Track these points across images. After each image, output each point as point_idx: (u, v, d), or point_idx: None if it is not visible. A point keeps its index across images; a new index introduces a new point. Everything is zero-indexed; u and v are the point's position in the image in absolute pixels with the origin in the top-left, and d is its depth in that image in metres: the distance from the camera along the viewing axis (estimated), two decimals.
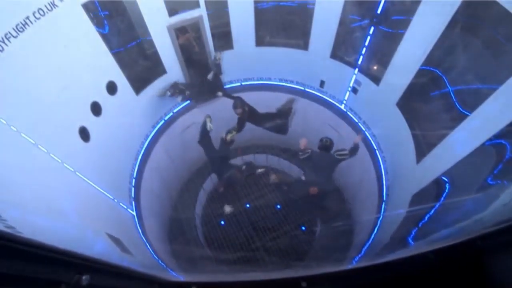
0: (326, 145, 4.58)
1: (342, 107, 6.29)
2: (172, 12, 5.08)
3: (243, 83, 6.80)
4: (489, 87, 3.34)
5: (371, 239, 5.47)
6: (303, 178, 4.55)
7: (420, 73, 4.28)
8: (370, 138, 5.86)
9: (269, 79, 6.80)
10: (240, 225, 8.06)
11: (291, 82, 6.72)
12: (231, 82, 6.78)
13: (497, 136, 3.23)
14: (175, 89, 5.72)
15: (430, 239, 3.19)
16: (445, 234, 2.78)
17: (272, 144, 8.90)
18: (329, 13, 5.11)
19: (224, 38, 5.97)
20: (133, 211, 5.35)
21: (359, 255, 5.53)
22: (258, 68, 6.62)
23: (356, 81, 5.62)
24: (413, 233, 4.07)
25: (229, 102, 7.00)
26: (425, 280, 1.33)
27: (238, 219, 8.17)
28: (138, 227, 5.27)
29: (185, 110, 6.64)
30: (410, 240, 4.06)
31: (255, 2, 5.46)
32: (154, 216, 6.37)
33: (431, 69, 4.17)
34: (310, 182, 4.41)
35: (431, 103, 4.65)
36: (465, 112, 3.70)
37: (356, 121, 6.07)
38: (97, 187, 4.24)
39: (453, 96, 3.93)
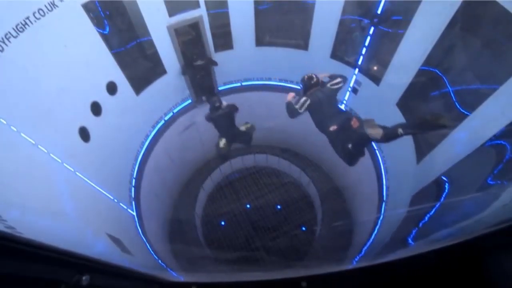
0: (312, 83, 3.82)
1: (342, 107, 6.29)
2: (172, 12, 5.08)
3: (243, 83, 6.81)
4: (489, 87, 3.34)
5: (371, 239, 5.47)
6: (332, 128, 3.61)
7: (420, 73, 4.28)
8: None
9: (269, 79, 6.80)
10: (240, 225, 8.06)
11: (291, 82, 6.72)
12: (231, 82, 6.78)
13: (497, 136, 3.23)
14: None
15: (430, 239, 3.19)
16: (445, 234, 2.78)
17: (272, 144, 8.91)
18: (329, 13, 5.11)
19: (224, 38, 5.97)
20: (133, 211, 5.35)
21: (359, 255, 5.54)
22: (258, 68, 6.62)
23: (356, 81, 5.62)
24: (413, 233, 4.07)
25: (231, 102, 7.01)
26: (425, 280, 1.33)
27: (238, 219, 8.17)
28: (138, 227, 5.27)
29: (185, 110, 6.64)
30: (410, 240, 4.06)
31: (255, 2, 5.46)
32: (154, 216, 6.37)
33: (431, 69, 4.17)
34: (340, 126, 3.62)
35: (431, 103, 4.65)
36: (465, 112, 3.70)
37: None
38: (97, 187, 4.24)
39: (453, 96, 3.93)
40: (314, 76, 3.84)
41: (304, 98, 3.70)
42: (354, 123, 3.54)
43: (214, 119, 5.64)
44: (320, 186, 8.06)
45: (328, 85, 3.85)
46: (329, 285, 1.46)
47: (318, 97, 3.72)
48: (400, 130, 3.34)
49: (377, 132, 3.39)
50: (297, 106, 3.72)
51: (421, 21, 4.01)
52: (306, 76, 3.87)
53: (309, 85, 3.85)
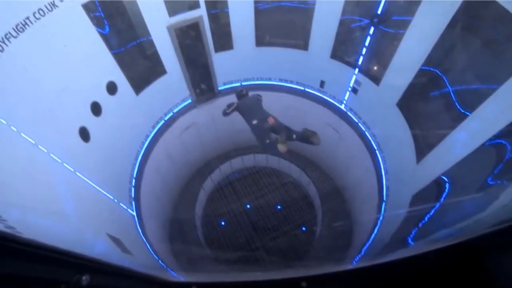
0: (243, 94, 5.03)
1: (342, 107, 6.29)
2: (172, 12, 5.08)
3: (243, 83, 6.81)
4: (489, 87, 3.35)
5: (371, 239, 5.47)
6: (255, 122, 4.72)
7: (420, 73, 4.29)
8: (370, 138, 5.86)
9: (269, 79, 6.80)
10: (240, 225, 8.07)
11: (291, 82, 6.73)
12: (231, 82, 6.78)
13: (497, 136, 3.23)
14: None
15: (430, 239, 3.19)
16: (445, 234, 2.78)
17: None
18: (329, 13, 5.11)
19: (224, 38, 5.97)
20: (133, 211, 5.35)
21: (359, 255, 5.54)
22: (258, 68, 6.62)
23: (356, 81, 5.63)
24: (413, 233, 4.07)
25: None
26: (425, 280, 1.33)
27: (238, 219, 8.17)
28: (138, 228, 5.27)
29: (185, 110, 6.64)
30: (410, 240, 4.06)
31: (255, 2, 5.46)
32: (154, 216, 6.37)
33: (431, 69, 4.17)
34: (260, 117, 4.74)
35: (431, 103, 4.65)
36: (465, 112, 3.70)
37: (356, 121, 6.07)
38: (97, 187, 4.24)
39: (453, 96, 3.93)
40: (244, 90, 5.06)
41: (234, 103, 4.90)
42: (270, 120, 4.61)
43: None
44: (320, 186, 8.06)
45: (256, 94, 5.08)
46: (329, 285, 1.46)
47: (246, 102, 4.91)
48: (294, 136, 4.70)
49: (283, 149, 4.63)
50: (227, 109, 4.91)
51: (421, 21, 4.01)
52: (239, 90, 5.08)
53: (240, 95, 5.04)
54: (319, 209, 7.90)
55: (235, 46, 6.11)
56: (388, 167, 5.54)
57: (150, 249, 5.17)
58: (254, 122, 4.72)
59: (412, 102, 4.72)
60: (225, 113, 4.94)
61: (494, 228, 1.35)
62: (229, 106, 4.92)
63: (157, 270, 4.75)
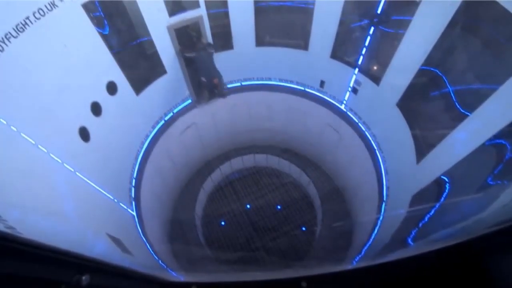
0: (203, 47, 5.61)
1: (342, 107, 6.29)
2: (172, 12, 5.08)
3: (243, 83, 6.81)
4: (489, 87, 3.35)
5: (371, 239, 5.47)
6: (203, 79, 5.94)
7: (420, 73, 4.29)
8: (370, 138, 5.86)
9: (269, 79, 6.81)
10: (240, 226, 8.07)
11: (291, 82, 6.73)
12: (231, 82, 6.78)
13: (497, 136, 3.23)
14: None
15: (430, 239, 3.18)
16: (445, 235, 2.78)
17: (272, 144, 8.91)
18: (329, 13, 5.11)
19: (224, 38, 5.97)
20: (133, 211, 5.34)
21: (359, 255, 5.54)
22: (258, 68, 6.62)
23: (356, 81, 5.63)
24: (413, 233, 4.07)
25: (231, 102, 7.02)
26: (425, 281, 1.33)
27: (238, 219, 8.17)
28: (138, 228, 5.27)
29: (185, 110, 6.65)
30: (410, 241, 4.06)
31: (255, 2, 5.46)
32: (154, 216, 6.36)
33: (431, 69, 4.17)
34: (208, 76, 5.94)
35: (431, 103, 4.65)
36: (465, 112, 3.70)
37: (356, 121, 6.07)
38: (97, 187, 4.24)
39: (453, 96, 3.93)
40: (206, 43, 5.67)
41: (194, 53, 5.64)
42: (215, 81, 5.99)
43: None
44: (320, 187, 8.06)
45: (208, 49, 5.70)
46: (329, 285, 1.46)
47: (202, 56, 5.66)
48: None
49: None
50: (186, 54, 5.74)
51: (421, 21, 4.01)
52: (202, 42, 5.66)
53: (201, 48, 5.59)
54: (319, 209, 7.90)
55: (235, 46, 6.11)
56: (388, 167, 5.54)
57: (150, 249, 5.17)
58: (203, 79, 5.92)
59: (412, 102, 4.72)
60: (183, 54, 5.70)
61: (494, 228, 1.34)
62: (189, 51, 5.68)
63: (157, 270, 4.75)
